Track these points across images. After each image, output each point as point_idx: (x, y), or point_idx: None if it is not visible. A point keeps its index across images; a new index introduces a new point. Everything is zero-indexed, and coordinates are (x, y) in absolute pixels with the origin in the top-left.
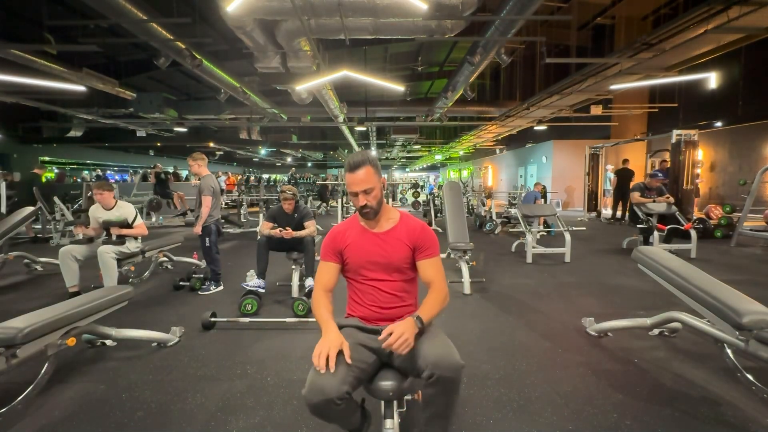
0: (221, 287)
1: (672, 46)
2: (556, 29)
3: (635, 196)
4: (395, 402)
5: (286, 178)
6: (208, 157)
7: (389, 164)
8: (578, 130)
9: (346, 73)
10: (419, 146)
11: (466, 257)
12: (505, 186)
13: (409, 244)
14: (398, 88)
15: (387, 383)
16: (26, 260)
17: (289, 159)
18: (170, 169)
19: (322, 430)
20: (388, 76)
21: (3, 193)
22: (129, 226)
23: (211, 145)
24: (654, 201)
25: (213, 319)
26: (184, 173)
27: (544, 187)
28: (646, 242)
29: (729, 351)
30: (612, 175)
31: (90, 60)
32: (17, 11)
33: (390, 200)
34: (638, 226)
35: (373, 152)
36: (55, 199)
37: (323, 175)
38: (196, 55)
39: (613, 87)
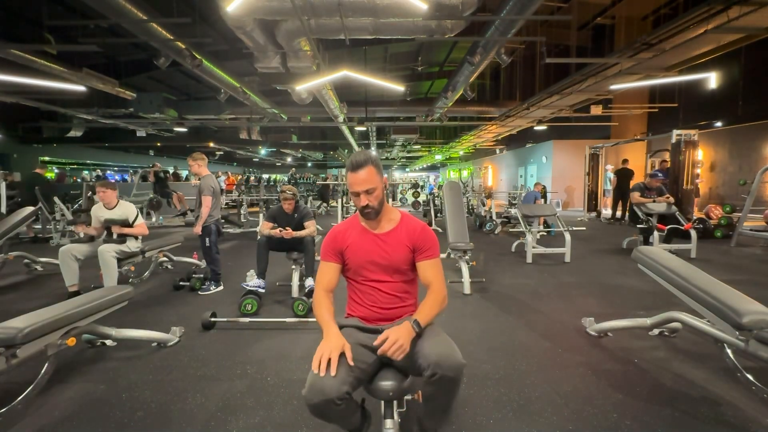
0: (221, 287)
1: (672, 46)
2: (556, 29)
3: (635, 196)
4: (395, 402)
5: (286, 178)
6: (208, 157)
7: (389, 164)
8: (578, 130)
9: (346, 73)
10: (419, 146)
11: (466, 257)
12: (505, 186)
13: (409, 245)
14: (398, 88)
15: (387, 383)
16: (26, 260)
17: (289, 159)
18: (170, 169)
19: (322, 430)
20: (388, 76)
21: (3, 193)
22: (130, 225)
23: (211, 145)
24: (654, 201)
25: (213, 319)
26: (184, 173)
27: (544, 187)
28: (646, 242)
29: (729, 351)
30: (612, 175)
31: (90, 60)
32: (17, 11)
33: (390, 200)
34: (638, 226)
35: (374, 152)
36: (55, 199)
37: (323, 175)
38: (196, 55)
39: (613, 87)
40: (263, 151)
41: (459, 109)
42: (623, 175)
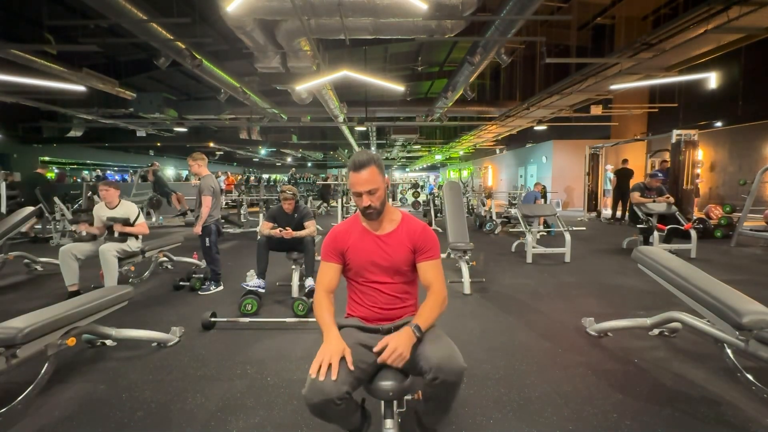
0: (221, 287)
1: (672, 46)
2: (556, 29)
3: (635, 196)
4: (395, 402)
5: (286, 178)
6: (208, 157)
7: (389, 164)
8: (578, 130)
9: (346, 73)
10: (419, 146)
11: (466, 257)
12: (505, 186)
13: (410, 245)
14: (398, 88)
15: (387, 383)
16: (26, 260)
17: (289, 159)
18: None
19: (322, 430)
20: (388, 76)
21: (3, 193)
22: (131, 224)
23: (211, 145)
24: (654, 201)
25: (213, 319)
26: (184, 173)
27: (544, 187)
28: (646, 242)
29: (729, 351)
30: (612, 175)
31: (90, 60)
32: (17, 11)
33: (390, 200)
34: (638, 226)
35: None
36: (55, 199)
37: (323, 175)
38: (196, 55)
39: (613, 87)
40: (263, 151)
41: (459, 109)
42: (623, 175)
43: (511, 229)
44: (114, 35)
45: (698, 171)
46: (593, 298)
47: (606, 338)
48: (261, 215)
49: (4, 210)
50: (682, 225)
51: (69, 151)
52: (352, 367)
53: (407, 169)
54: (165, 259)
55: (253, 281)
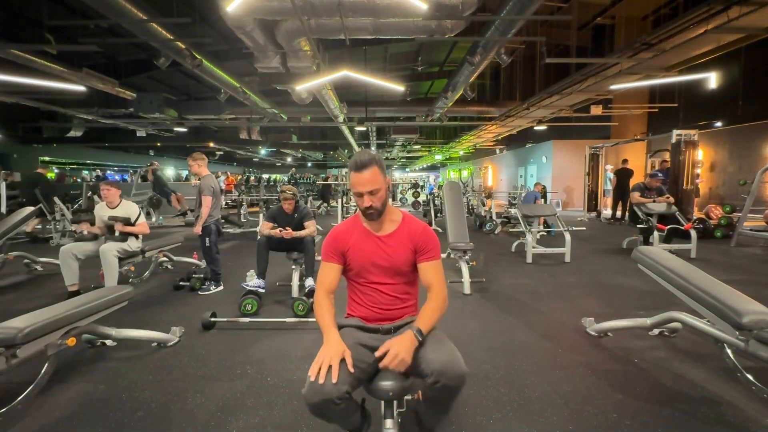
0: (221, 287)
1: (672, 46)
2: (556, 29)
3: (635, 196)
4: (395, 402)
5: (286, 178)
6: (208, 157)
7: (389, 164)
8: (578, 130)
9: (346, 73)
10: (419, 146)
11: (466, 257)
12: (505, 186)
13: (410, 246)
14: (398, 88)
15: (387, 383)
16: (26, 260)
17: (289, 159)
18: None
19: (322, 430)
20: (388, 76)
21: (3, 193)
22: (132, 224)
23: (211, 145)
24: (654, 201)
25: (213, 319)
26: (184, 173)
27: (544, 187)
28: (646, 242)
29: (729, 351)
30: (612, 175)
31: (90, 60)
32: (17, 11)
33: (390, 200)
34: (638, 226)
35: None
36: (55, 199)
37: (323, 175)
38: (196, 55)
39: (613, 87)
40: (263, 151)
41: (459, 109)
42: (623, 175)
43: (511, 229)
44: (114, 35)
45: (698, 171)
46: (593, 298)
47: (606, 338)
48: (261, 215)
49: (4, 210)
50: (682, 225)
51: (69, 151)
52: (352, 369)
53: (407, 169)
54: (165, 259)
55: (253, 281)
